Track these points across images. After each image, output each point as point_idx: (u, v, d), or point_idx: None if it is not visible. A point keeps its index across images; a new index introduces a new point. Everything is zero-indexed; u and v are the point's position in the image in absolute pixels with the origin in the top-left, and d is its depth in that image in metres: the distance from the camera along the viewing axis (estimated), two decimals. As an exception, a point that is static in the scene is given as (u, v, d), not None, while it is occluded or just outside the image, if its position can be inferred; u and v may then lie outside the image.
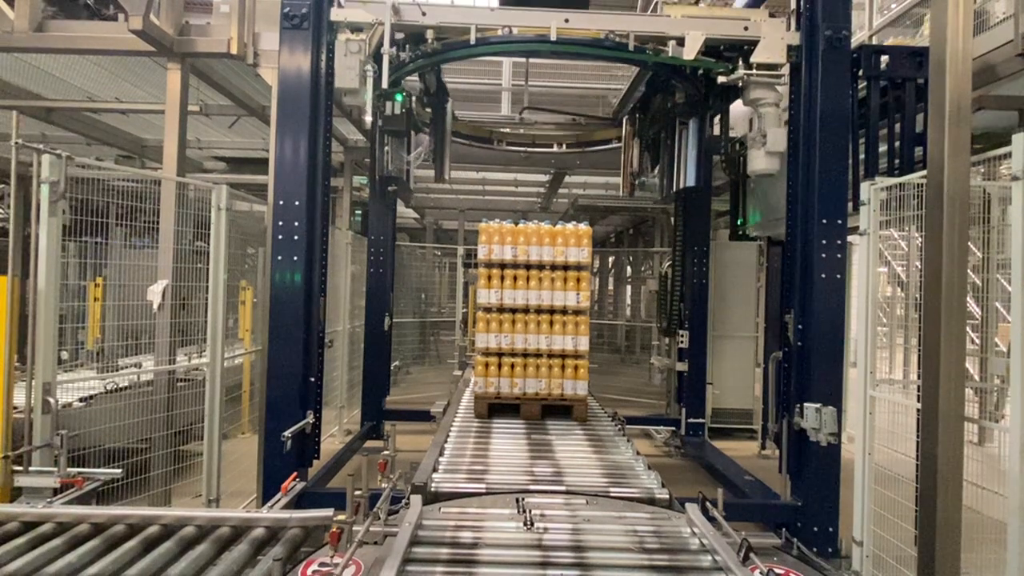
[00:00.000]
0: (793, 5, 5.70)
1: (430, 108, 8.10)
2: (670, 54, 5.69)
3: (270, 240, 5.33)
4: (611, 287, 19.19)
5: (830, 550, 5.09)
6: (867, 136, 5.74)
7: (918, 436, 3.94)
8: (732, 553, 2.62)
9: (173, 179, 5.62)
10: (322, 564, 2.62)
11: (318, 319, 5.62)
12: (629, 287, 16.99)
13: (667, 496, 3.52)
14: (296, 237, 5.28)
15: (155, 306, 5.20)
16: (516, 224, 5.47)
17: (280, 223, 5.29)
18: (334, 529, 2.69)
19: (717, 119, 7.35)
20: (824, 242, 5.26)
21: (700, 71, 6.20)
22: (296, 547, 3.02)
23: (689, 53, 5.59)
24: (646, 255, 15.34)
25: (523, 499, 3.27)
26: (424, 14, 5.66)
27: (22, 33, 5.79)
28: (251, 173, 10.09)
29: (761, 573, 2.58)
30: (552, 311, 5.33)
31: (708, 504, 3.11)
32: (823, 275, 5.25)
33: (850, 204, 5.34)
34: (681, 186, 7.43)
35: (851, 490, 4.66)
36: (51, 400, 4.08)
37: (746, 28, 5.63)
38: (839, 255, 5.27)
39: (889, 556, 4.27)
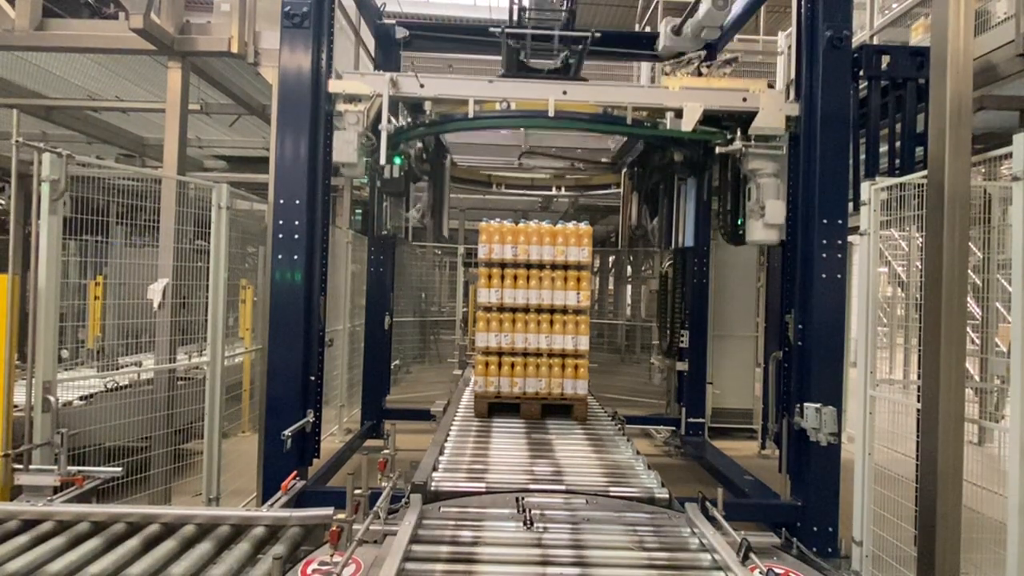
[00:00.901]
0: (794, 66, 5.66)
1: (428, 164, 8.11)
2: (668, 125, 5.69)
3: (270, 239, 5.34)
4: (611, 287, 19.18)
5: (830, 550, 5.09)
6: (868, 136, 5.73)
7: (918, 436, 3.94)
8: (732, 552, 2.63)
9: (174, 178, 5.62)
10: (322, 563, 2.61)
11: (318, 318, 5.62)
12: (629, 287, 16.96)
13: (667, 496, 3.52)
14: (296, 236, 5.29)
15: (155, 305, 5.20)
16: (516, 223, 5.47)
17: (280, 222, 5.30)
18: (334, 528, 2.69)
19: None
20: (824, 242, 5.26)
21: (699, 135, 6.20)
22: (296, 546, 3.03)
23: (687, 125, 5.59)
24: (646, 255, 15.31)
25: (523, 498, 3.27)
26: (422, 86, 5.65)
27: (23, 31, 5.80)
28: (252, 172, 10.07)
29: (760, 572, 2.58)
30: (552, 310, 5.33)
31: (708, 504, 3.12)
32: (823, 275, 5.25)
33: (850, 204, 5.34)
34: (679, 245, 7.38)
35: (851, 490, 4.66)
36: (51, 398, 4.08)
37: (744, 99, 5.64)
38: (839, 255, 5.27)
39: (889, 556, 4.27)
